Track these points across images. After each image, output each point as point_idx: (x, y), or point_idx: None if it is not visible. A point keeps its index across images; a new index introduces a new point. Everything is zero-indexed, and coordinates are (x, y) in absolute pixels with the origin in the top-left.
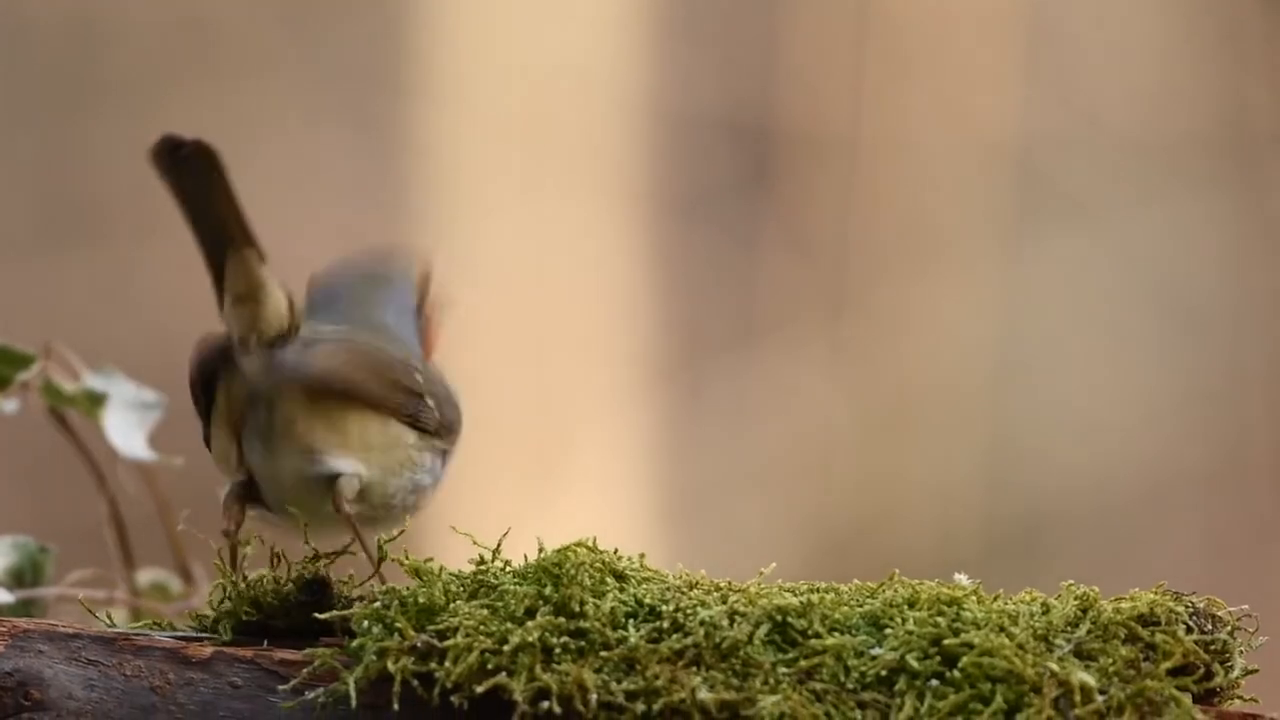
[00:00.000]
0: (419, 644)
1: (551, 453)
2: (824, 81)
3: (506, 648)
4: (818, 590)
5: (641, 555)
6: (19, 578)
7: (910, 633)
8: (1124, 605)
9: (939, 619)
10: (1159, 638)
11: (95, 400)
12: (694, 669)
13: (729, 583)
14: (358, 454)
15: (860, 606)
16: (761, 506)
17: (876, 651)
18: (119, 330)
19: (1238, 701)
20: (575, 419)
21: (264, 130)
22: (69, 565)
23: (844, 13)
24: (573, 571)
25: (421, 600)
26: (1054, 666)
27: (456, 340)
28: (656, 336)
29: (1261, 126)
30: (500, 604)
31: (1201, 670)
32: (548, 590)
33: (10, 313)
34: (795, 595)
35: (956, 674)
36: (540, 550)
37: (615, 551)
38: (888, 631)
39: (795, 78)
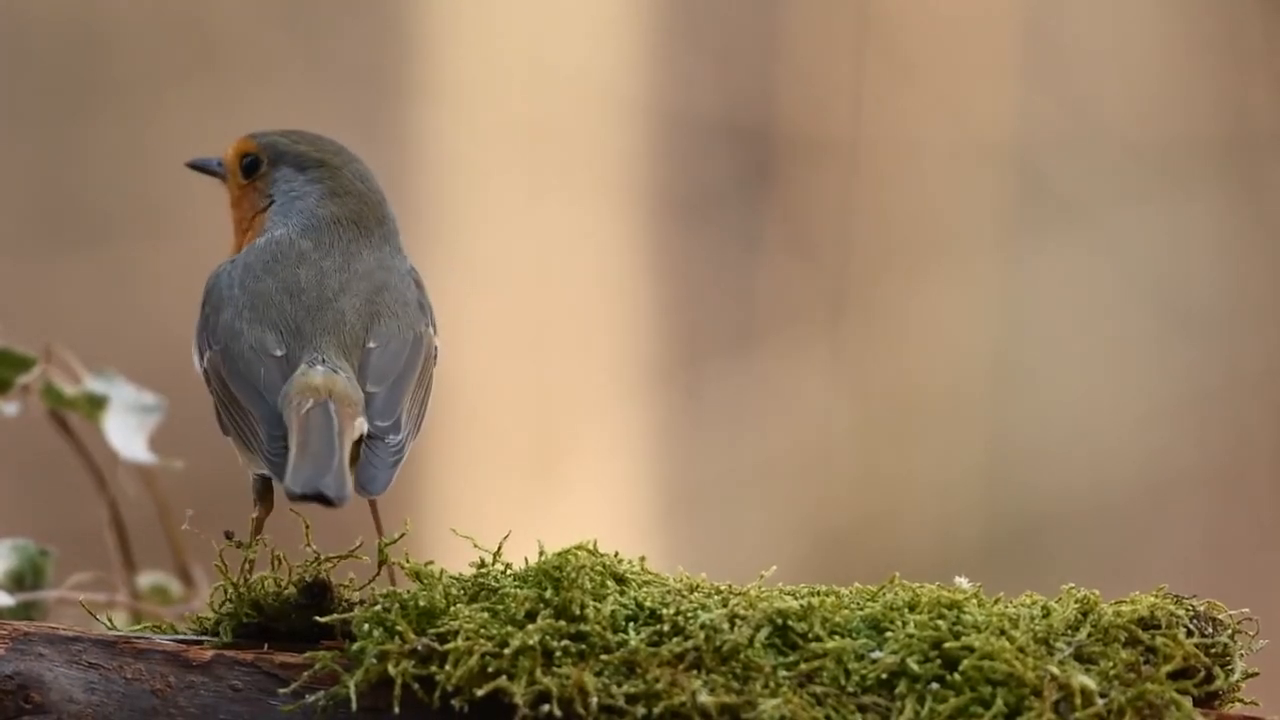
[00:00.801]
0: (419, 647)
1: (552, 454)
2: (824, 83)
3: (507, 651)
4: (818, 593)
5: (642, 558)
6: (19, 580)
7: (911, 636)
8: (1124, 608)
9: (939, 622)
10: (1159, 641)
11: (96, 403)
12: (694, 672)
13: (729, 586)
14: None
15: (861, 610)
16: (762, 508)
17: (877, 655)
18: (120, 333)
19: (1238, 705)
20: (575, 420)
21: None
22: (69, 568)
23: (844, 15)
24: (573, 574)
25: (422, 603)
26: (1054, 670)
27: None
28: (657, 338)
29: (1261, 127)
30: (501, 607)
31: (1202, 673)
32: (548, 593)
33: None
34: (795, 598)
35: (957, 677)
36: (541, 553)
37: (616, 554)
38: (888, 635)
39: (795, 79)
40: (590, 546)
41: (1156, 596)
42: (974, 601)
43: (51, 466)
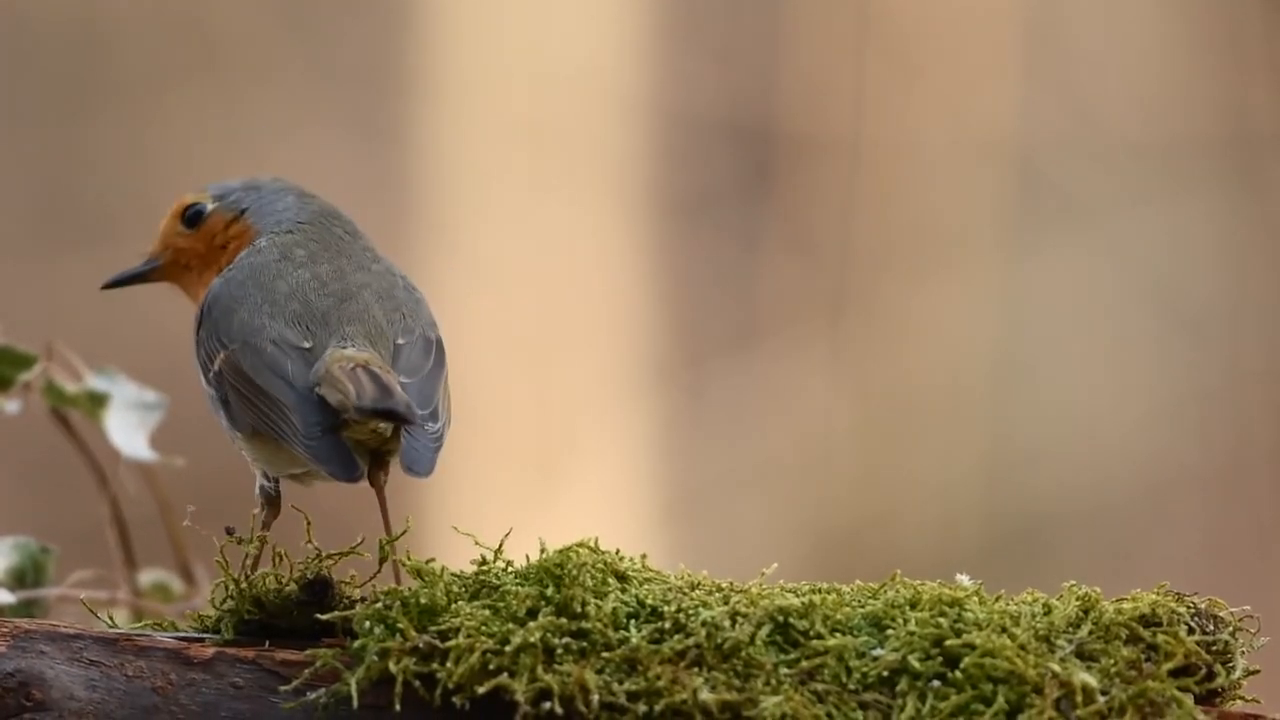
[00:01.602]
0: (421, 645)
1: (553, 453)
2: (825, 83)
3: (508, 648)
4: (819, 591)
5: (643, 556)
6: (21, 578)
7: (912, 633)
8: (1125, 606)
9: (941, 620)
10: (1161, 638)
11: (97, 401)
12: (696, 670)
13: (731, 583)
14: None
15: (862, 607)
16: (763, 507)
17: (878, 652)
18: (121, 331)
19: (1239, 702)
20: (577, 420)
21: (265, 132)
22: (71, 566)
23: (845, 15)
24: (574, 572)
25: (423, 601)
26: (1056, 667)
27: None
28: (658, 337)
29: (1261, 127)
30: (502, 604)
31: (1203, 671)
32: (549, 591)
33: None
34: (797, 596)
35: (958, 675)
36: (542, 551)
37: (617, 552)
38: (889, 632)
39: (797, 79)
40: (591, 544)
41: (1158, 594)
42: (975, 599)
43: (53, 464)
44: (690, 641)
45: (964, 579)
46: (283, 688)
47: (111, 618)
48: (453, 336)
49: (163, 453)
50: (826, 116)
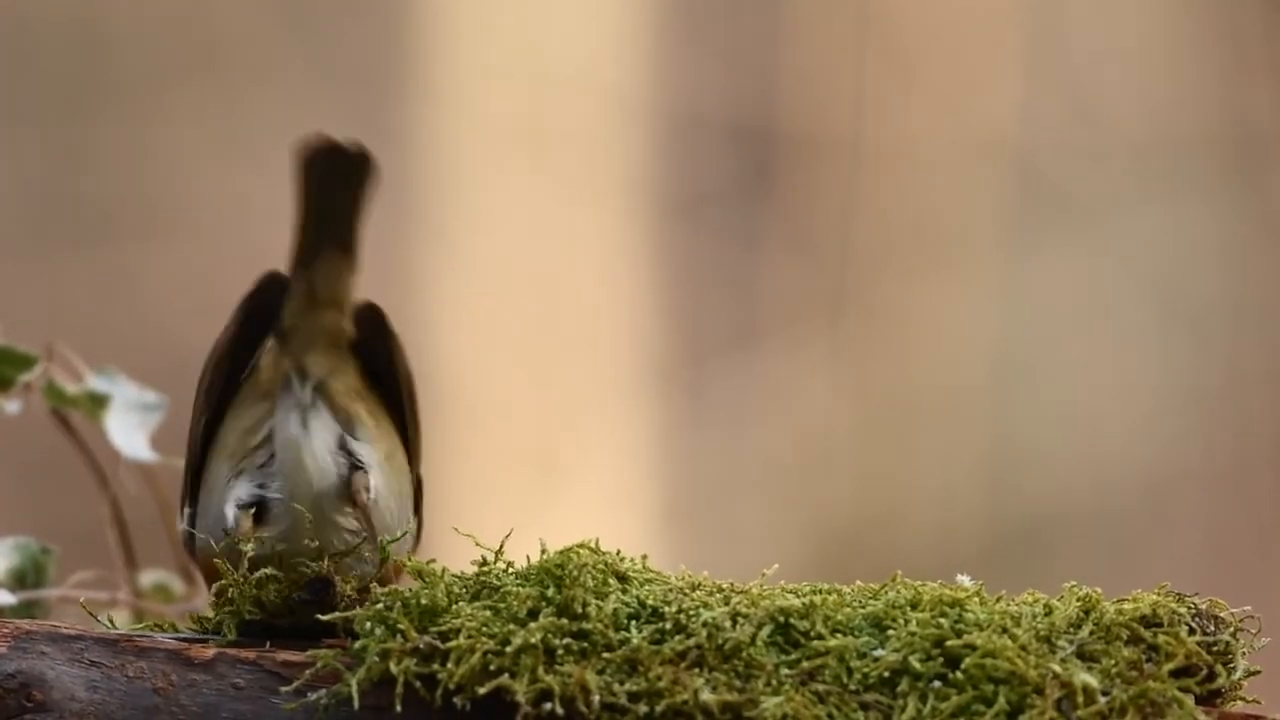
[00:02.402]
0: (422, 645)
1: (553, 454)
2: (825, 83)
3: (509, 649)
4: (820, 591)
5: (644, 556)
6: (21, 579)
7: (913, 634)
8: (1126, 606)
9: (941, 620)
10: (1161, 639)
11: (98, 401)
12: (697, 670)
13: (731, 584)
14: (382, 460)
15: (863, 608)
16: (763, 507)
17: (879, 653)
18: (121, 331)
19: (1240, 703)
20: (577, 420)
21: (266, 132)
22: (71, 566)
23: (845, 15)
24: (575, 573)
25: (424, 601)
26: (1056, 668)
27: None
28: (658, 337)
29: (1262, 127)
30: (503, 605)
31: (1204, 671)
32: (550, 592)
33: (12, 314)
34: (798, 596)
35: (959, 675)
36: (542, 551)
37: (618, 553)
38: (890, 633)
39: (797, 79)
40: (592, 545)
41: (1158, 594)
42: (976, 600)
43: (53, 465)
44: (691, 642)
45: (965, 579)
46: (284, 688)
47: (111, 620)
48: (453, 336)
49: (163, 453)
50: (826, 116)
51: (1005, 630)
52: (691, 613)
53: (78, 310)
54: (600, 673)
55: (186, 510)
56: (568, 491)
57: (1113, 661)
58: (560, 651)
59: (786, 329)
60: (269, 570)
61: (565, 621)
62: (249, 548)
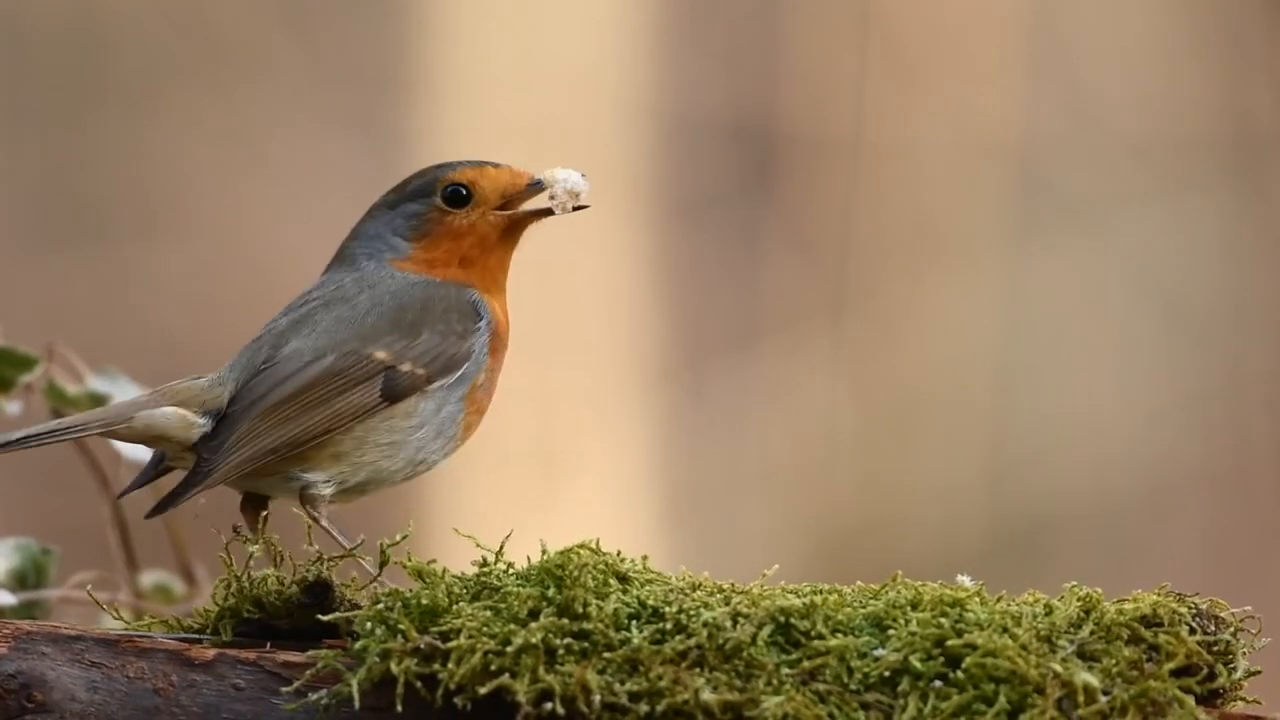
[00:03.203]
0: (422, 645)
1: (554, 454)
2: (826, 84)
3: (510, 649)
4: (821, 591)
5: (644, 557)
6: (22, 580)
7: (913, 634)
8: (1127, 606)
9: (942, 620)
10: (1162, 638)
11: (98, 401)
12: (697, 670)
13: (732, 584)
14: (328, 467)
15: (863, 608)
16: (764, 507)
17: (880, 652)
18: (121, 332)
19: (1241, 703)
20: (578, 420)
21: (266, 132)
22: (72, 567)
23: (846, 16)
24: (576, 573)
25: (425, 602)
26: (1057, 667)
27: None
28: (659, 337)
29: (1263, 128)
30: (503, 605)
31: (1205, 671)
32: (551, 592)
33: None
34: (798, 597)
35: (960, 675)
36: (543, 552)
37: (618, 553)
38: (891, 633)
39: (798, 80)
40: (593, 545)
41: (1159, 594)
42: (976, 599)
43: (54, 466)
44: (692, 642)
45: (965, 579)
46: (284, 689)
47: (118, 611)
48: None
49: None
50: (826, 116)
51: (1006, 630)
52: (692, 613)
53: (78, 310)
54: (601, 672)
55: None
56: (568, 492)
57: (1113, 661)
58: (561, 651)
59: (787, 329)
60: (269, 571)
61: (566, 621)
62: (255, 549)
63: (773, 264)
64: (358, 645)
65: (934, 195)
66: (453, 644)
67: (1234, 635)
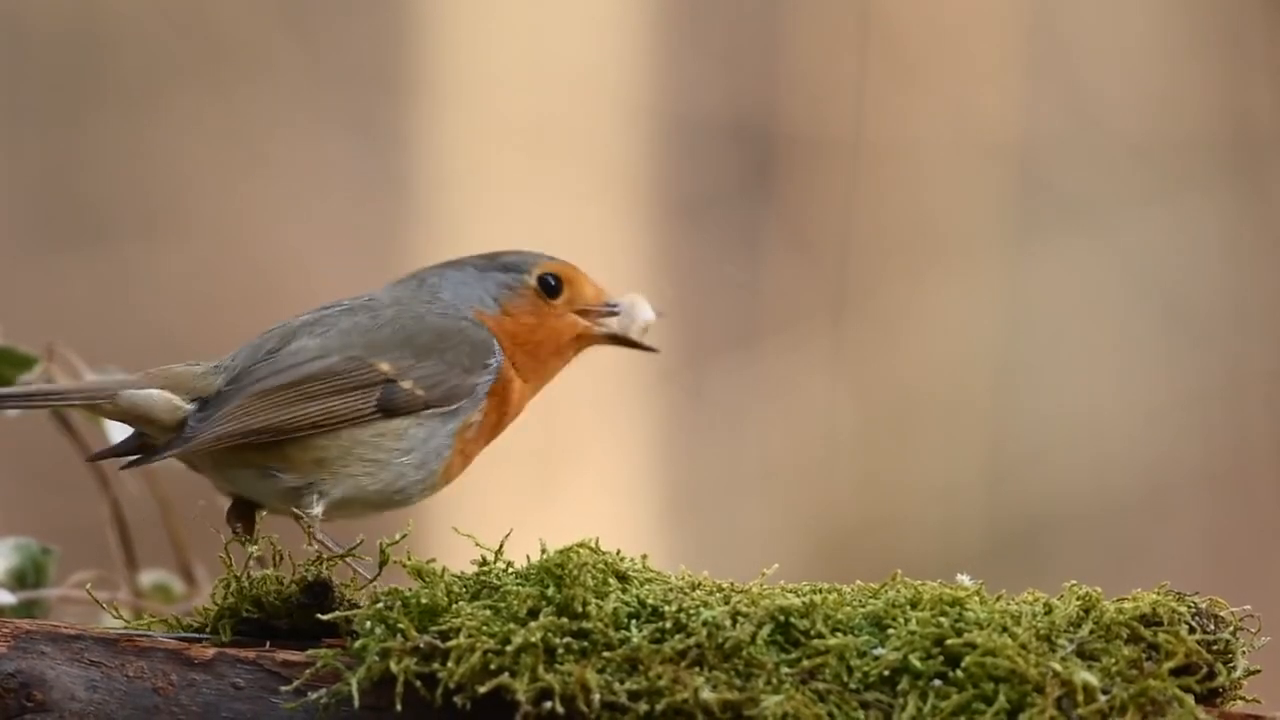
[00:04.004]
0: (422, 645)
1: (553, 453)
2: (826, 84)
3: (509, 648)
4: (820, 591)
5: (644, 556)
6: (21, 579)
7: (913, 633)
8: (1126, 605)
9: (942, 619)
10: (1161, 637)
11: None
12: (697, 669)
13: (731, 583)
14: (309, 472)
15: (863, 607)
16: (763, 507)
17: (879, 652)
18: (121, 331)
19: (1240, 702)
20: (577, 420)
21: (266, 132)
22: (71, 566)
23: (846, 15)
24: (575, 572)
25: (424, 601)
26: (1057, 666)
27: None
28: (659, 337)
29: (1264, 128)
30: (503, 605)
31: (1204, 670)
32: (550, 591)
33: (12, 314)
34: (798, 596)
35: (959, 674)
36: (542, 551)
37: (618, 552)
38: (890, 632)
39: (798, 80)
40: (592, 544)
41: (1158, 594)
42: (976, 599)
43: (53, 465)
44: (691, 641)
45: (965, 579)
46: (284, 688)
47: (117, 610)
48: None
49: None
50: (826, 116)
51: (1005, 629)
52: (692, 612)
53: (78, 310)
54: (600, 671)
55: None
56: (568, 491)
57: (1113, 660)
58: (560, 650)
59: (788, 329)
60: (268, 571)
61: (565, 621)
62: (255, 549)
63: (773, 264)
64: (357, 644)
65: (934, 195)
66: (452, 643)
67: (1233, 634)
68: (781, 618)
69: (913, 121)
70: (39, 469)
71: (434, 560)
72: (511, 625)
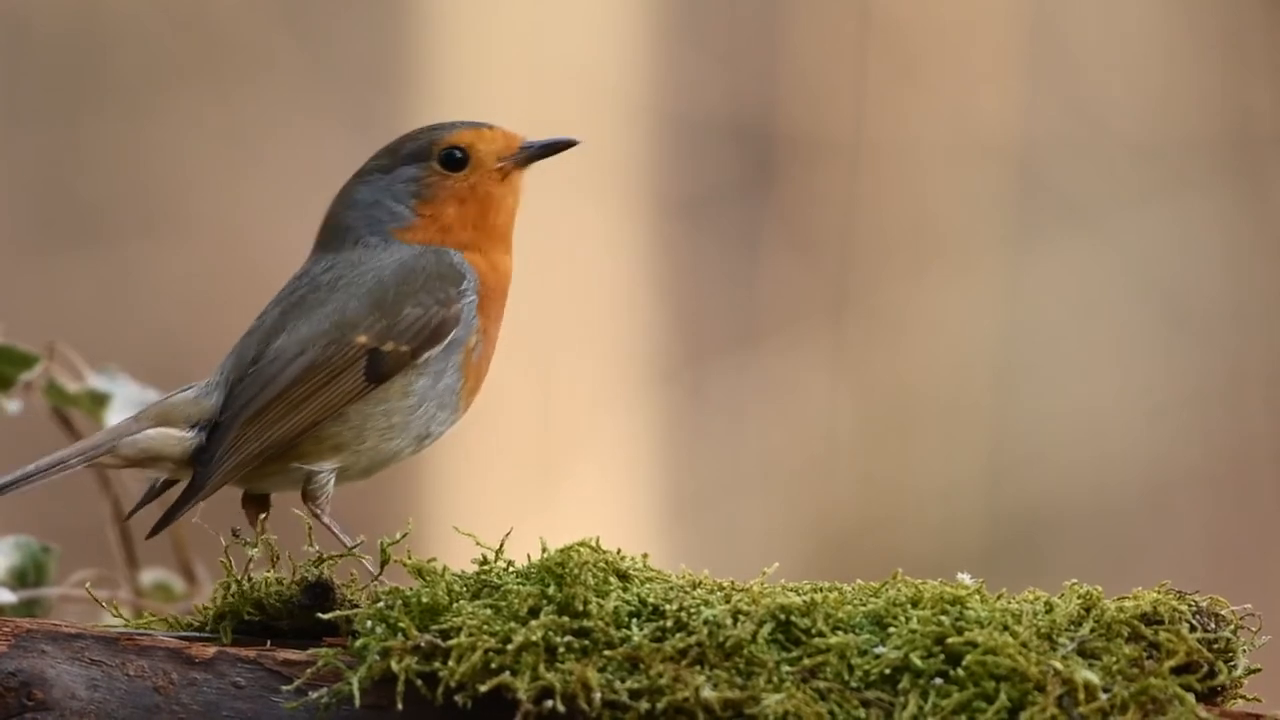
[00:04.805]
0: (423, 644)
1: (554, 453)
2: (826, 84)
3: (510, 647)
4: (821, 589)
5: (644, 555)
6: (22, 578)
7: (914, 631)
8: (1127, 604)
9: (942, 618)
10: (1162, 636)
11: (98, 400)
12: (698, 668)
13: (732, 582)
14: (329, 457)
15: (863, 605)
16: (764, 506)
17: (880, 650)
18: (122, 330)
19: (1241, 700)
20: (578, 419)
21: (265, 131)
22: (72, 565)
23: (846, 16)
24: (576, 571)
25: (425, 600)
26: (1057, 665)
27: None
28: (659, 337)
29: (1263, 128)
30: (504, 603)
31: (1205, 668)
32: (551, 590)
33: (13, 313)
34: (798, 594)
35: (960, 672)
36: (543, 550)
37: (618, 551)
38: (891, 630)
39: (798, 80)
40: (593, 543)
41: (1159, 592)
42: (977, 597)
43: None
44: (692, 640)
45: (965, 577)
46: (284, 687)
47: (117, 609)
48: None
49: None
50: (826, 116)
51: (1006, 627)
52: (692, 610)
53: (78, 310)
54: (601, 670)
55: None
56: (568, 490)
57: (1114, 659)
58: (561, 649)
59: (787, 328)
60: (268, 573)
61: (566, 619)
62: (255, 551)
63: (773, 263)
64: (358, 643)
65: (934, 195)
66: (453, 642)
67: (1234, 633)
68: (782, 616)
69: (913, 121)
70: None
71: (435, 559)
72: (512, 624)
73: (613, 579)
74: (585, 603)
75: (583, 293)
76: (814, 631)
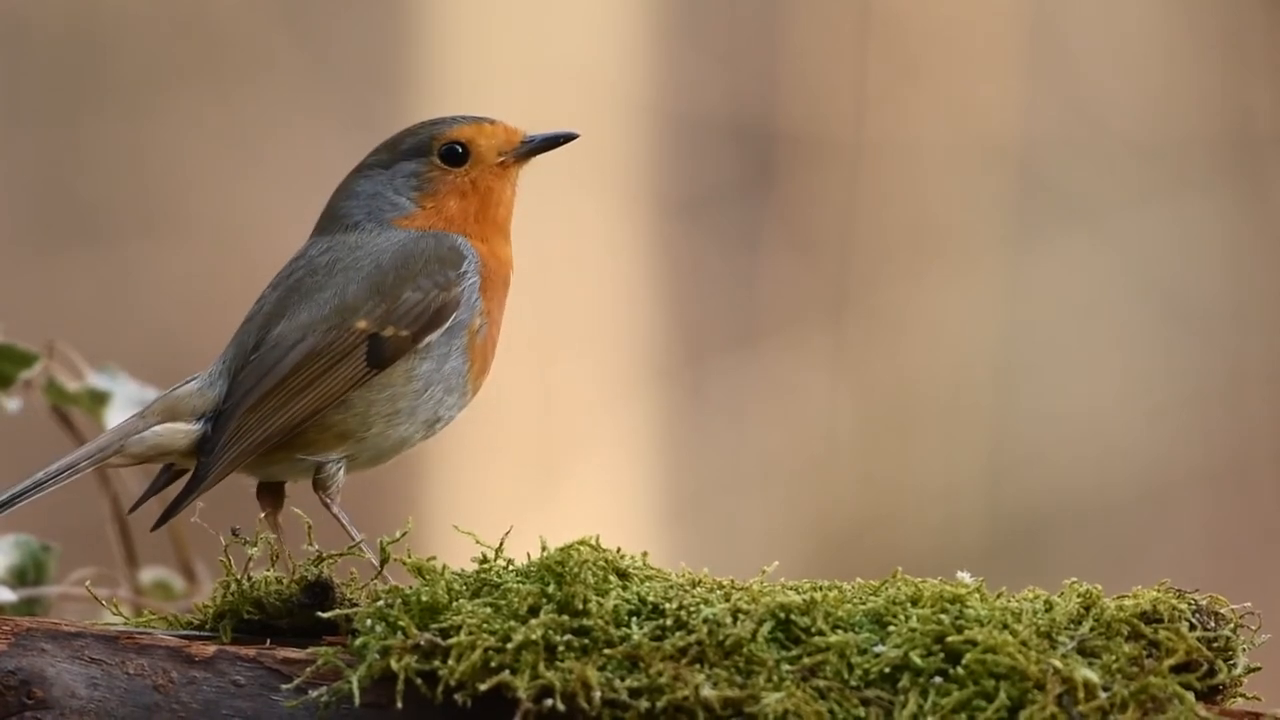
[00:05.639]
0: (422, 642)
1: (554, 452)
2: (827, 83)
3: (510, 645)
4: (821, 588)
5: (644, 554)
6: (22, 576)
7: (914, 630)
8: (1127, 603)
9: (942, 616)
10: (1162, 635)
11: (98, 399)
12: (697, 666)
13: (732, 581)
14: (334, 446)
15: (863, 604)
16: (763, 505)
17: (880, 649)
18: (121, 329)
19: (1241, 699)
20: (578, 417)
21: (265, 131)
22: (72, 564)
23: (847, 15)
24: (576, 570)
25: (425, 599)
26: (1057, 663)
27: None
28: (659, 336)
29: (1263, 127)
30: (503, 602)
31: (1204, 667)
32: (551, 588)
33: (13, 312)
34: (798, 593)
35: (960, 671)
36: (543, 549)
37: (618, 550)
38: (891, 629)
39: (798, 80)
40: (592, 542)
41: (1159, 591)
42: (976, 596)
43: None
44: (692, 638)
45: (965, 576)
46: (284, 686)
47: (117, 607)
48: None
49: None
50: (828, 117)
51: (1006, 626)
52: (692, 609)
53: (78, 310)
54: (601, 669)
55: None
56: (568, 489)
57: (1113, 657)
58: (561, 648)
59: (788, 328)
60: (270, 573)
61: (566, 618)
62: (255, 551)
63: (773, 263)
64: (358, 642)
65: (934, 195)
66: (453, 641)
67: (1234, 631)
68: (782, 615)
69: (913, 121)
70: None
71: (434, 558)
72: (512, 623)
73: (612, 577)
74: (585, 601)
75: (583, 292)
76: (814, 630)
